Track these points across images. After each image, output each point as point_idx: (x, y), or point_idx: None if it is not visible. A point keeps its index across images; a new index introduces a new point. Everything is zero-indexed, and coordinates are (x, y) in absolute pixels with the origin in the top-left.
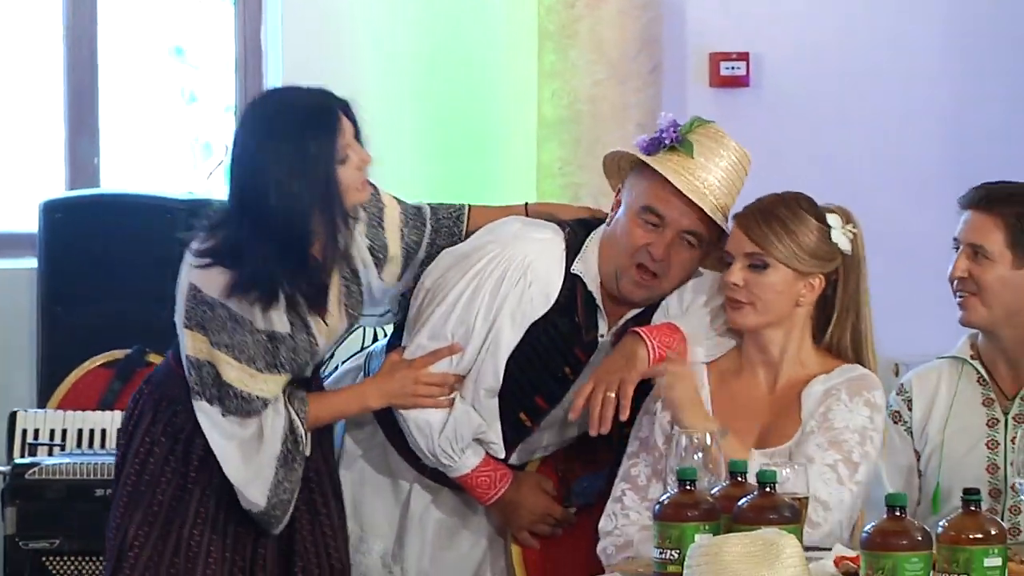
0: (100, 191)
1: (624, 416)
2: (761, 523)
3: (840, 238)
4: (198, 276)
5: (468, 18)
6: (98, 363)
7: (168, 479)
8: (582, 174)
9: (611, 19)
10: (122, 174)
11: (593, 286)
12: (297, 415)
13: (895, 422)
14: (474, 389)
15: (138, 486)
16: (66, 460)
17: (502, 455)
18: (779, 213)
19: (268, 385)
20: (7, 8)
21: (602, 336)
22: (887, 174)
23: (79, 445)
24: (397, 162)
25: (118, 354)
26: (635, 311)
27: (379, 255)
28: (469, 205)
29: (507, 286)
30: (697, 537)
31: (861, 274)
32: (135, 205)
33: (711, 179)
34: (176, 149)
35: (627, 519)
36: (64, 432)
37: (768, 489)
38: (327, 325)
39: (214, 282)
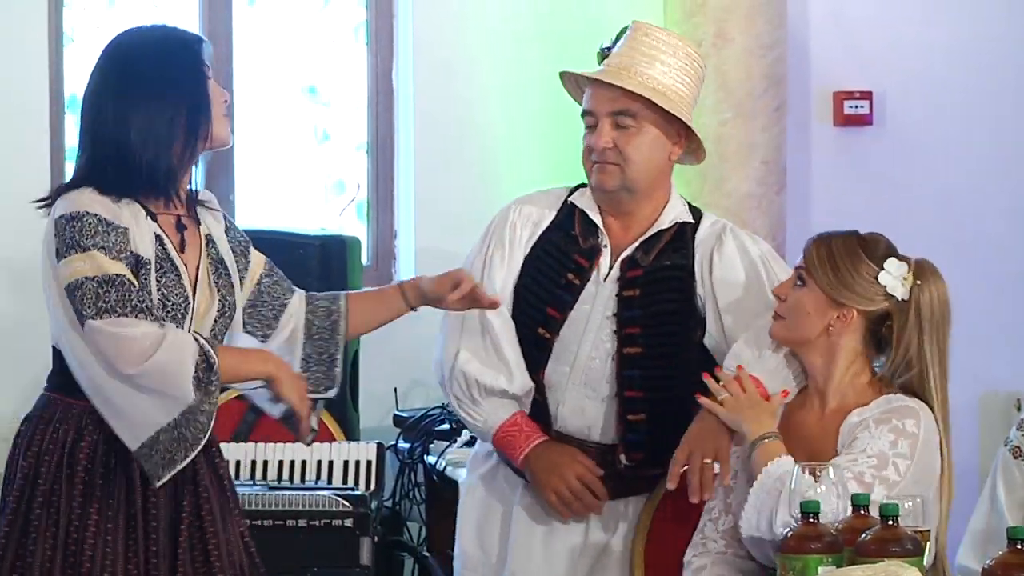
0: None
1: (726, 481)
2: (884, 556)
3: (890, 281)
4: (58, 206)
5: (596, 55)
6: (232, 395)
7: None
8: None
9: (737, 58)
10: (257, 211)
11: (588, 205)
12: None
13: (1015, 457)
14: (482, 332)
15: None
16: None
17: (529, 385)
18: (835, 242)
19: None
20: None
21: (605, 246)
22: (1012, 211)
23: None
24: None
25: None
26: (647, 233)
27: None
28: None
29: (494, 227)
30: (820, 570)
31: (927, 325)
32: (269, 241)
33: (638, 66)
34: (309, 186)
35: (704, 548)
36: None
37: (890, 522)
38: (194, 284)
39: (70, 199)
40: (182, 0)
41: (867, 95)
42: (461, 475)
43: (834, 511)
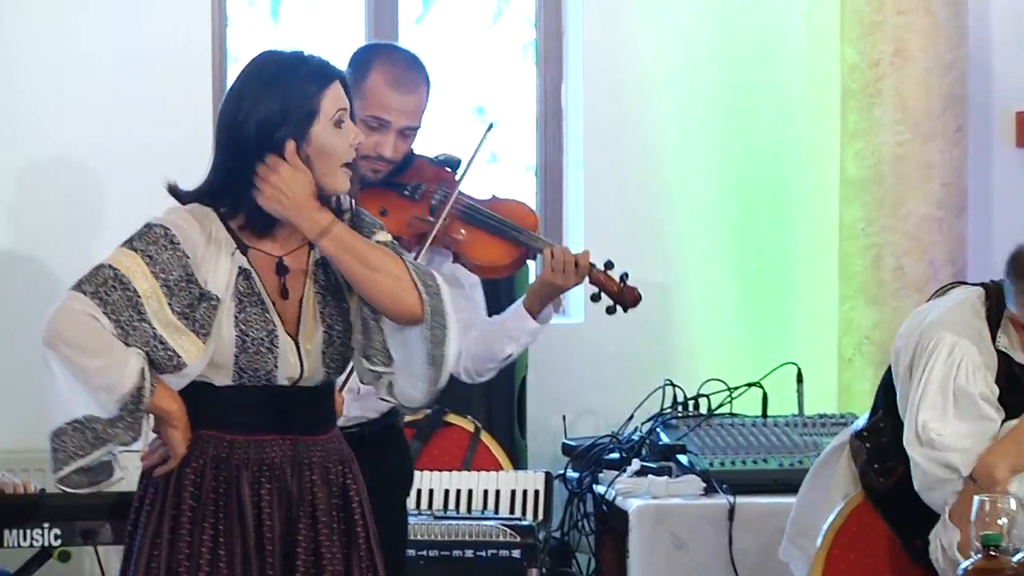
0: None
1: None
2: None
3: None
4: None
5: (769, 77)
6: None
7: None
8: (885, 235)
9: (916, 77)
10: None
11: None
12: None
13: None
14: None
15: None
16: None
17: None
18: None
19: (173, 328)
20: None
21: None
22: None
23: None
24: (696, 221)
25: (418, 415)
26: None
27: None
28: None
29: None
30: None
31: None
32: None
33: None
34: None
35: None
36: None
37: None
38: (294, 326)
39: (167, 211)
40: (347, 19)
41: None
42: (631, 505)
43: None
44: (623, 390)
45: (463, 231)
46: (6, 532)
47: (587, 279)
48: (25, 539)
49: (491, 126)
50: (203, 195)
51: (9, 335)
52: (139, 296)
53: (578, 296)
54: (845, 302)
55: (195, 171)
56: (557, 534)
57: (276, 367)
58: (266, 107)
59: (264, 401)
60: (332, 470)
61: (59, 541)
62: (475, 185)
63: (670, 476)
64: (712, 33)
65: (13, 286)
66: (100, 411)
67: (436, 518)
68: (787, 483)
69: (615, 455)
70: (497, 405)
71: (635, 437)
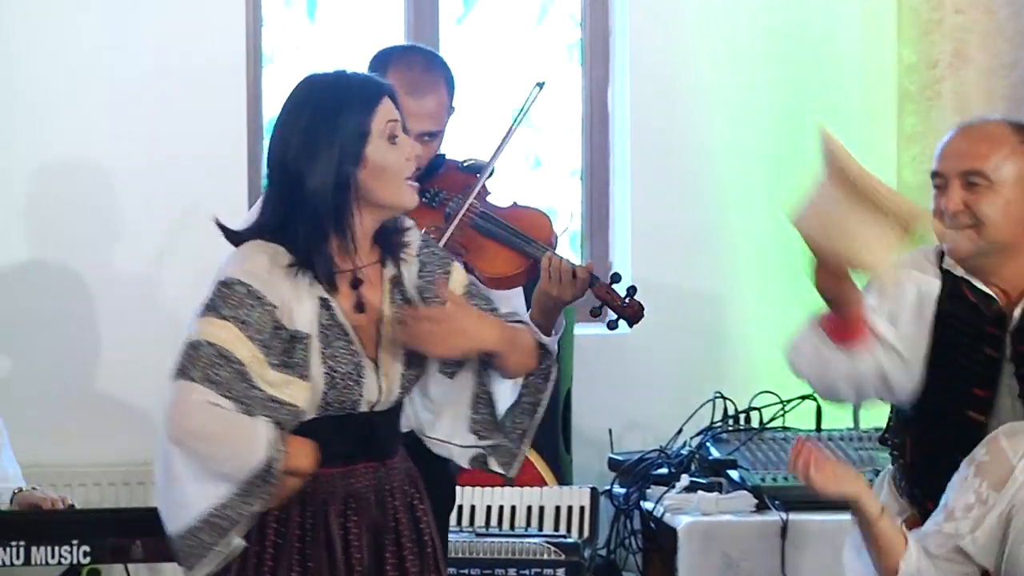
0: None
1: None
2: None
3: None
4: (227, 260)
5: (823, 79)
6: None
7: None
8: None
9: (976, 79)
10: None
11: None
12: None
13: None
14: None
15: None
16: None
17: None
18: None
19: (279, 380)
20: None
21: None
22: None
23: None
24: (748, 227)
25: None
26: None
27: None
28: None
29: None
30: None
31: None
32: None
33: None
34: None
35: None
36: None
37: None
38: (374, 349)
39: (236, 259)
40: (386, 18)
41: None
42: (680, 522)
43: None
44: (671, 403)
45: (474, 241)
46: (34, 549)
47: (591, 292)
48: (53, 556)
49: (540, 85)
50: (263, 232)
51: (35, 348)
52: (243, 365)
53: None
54: None
55: (228, 174)
56: (603, 552)
57: (361, 396)
58: (316, 142)
59: (347, 430)
60: (408, 492)
61: (88, 559)
62: (519, 192)
63: (720, 492)
64: (764, 32)
65: (41, 295)
66: (231, 492)
67: (478, 535)
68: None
69: (663, 470)
70: (542, 421)
71: (684, 452)
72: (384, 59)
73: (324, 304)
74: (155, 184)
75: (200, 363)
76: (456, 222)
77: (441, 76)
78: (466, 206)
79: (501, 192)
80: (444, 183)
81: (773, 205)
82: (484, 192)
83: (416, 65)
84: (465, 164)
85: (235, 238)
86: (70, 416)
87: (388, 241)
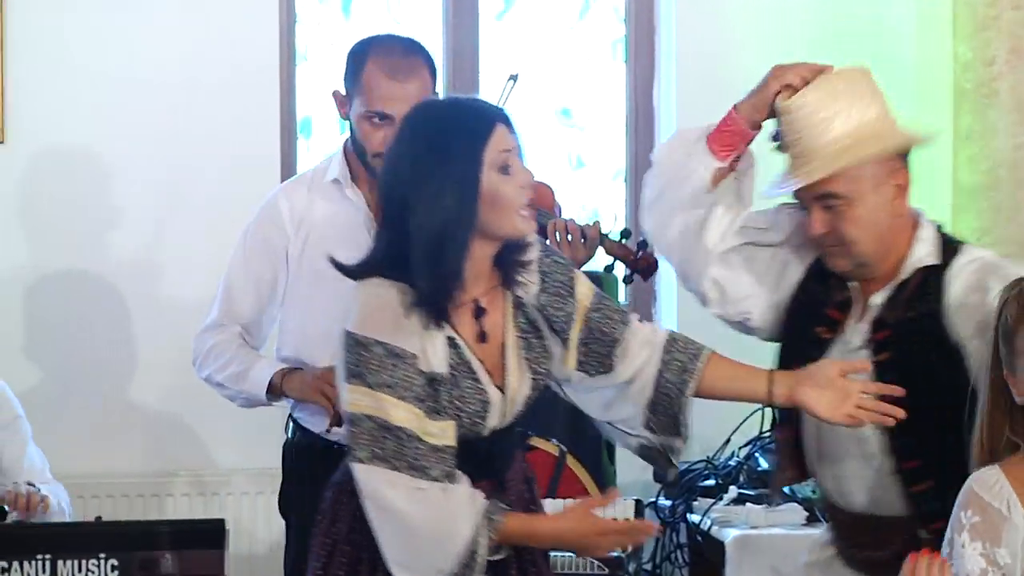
0: None
1: None
2: None
3: None
4: (354, 315)
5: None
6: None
7: None
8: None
9: None
10: None
11: None
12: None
13: None
14: None
15: None
16: None
17: None
18: None
19: (439, 430)
20: None
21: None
22: None
23: None
24: None
25: None
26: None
27: (561, 329)
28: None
29: None
30: None
31: None
32: None
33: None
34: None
35: None
36: None
37: None
38: (500, 376)
39: (364, 309)
40: (426, 15)
41: None
42: (727, 535)
43: None
44: (719, 412)
45: None
46: (60, 563)
47: (602, 250)
48: (80, 570)
49: (514, 78)
50: (380, 268)
51: (69, 361)
52: (401, 427)
53: (670, 309)
54: None
55: (262, 173)
56: (648, 566)
57: (484, 426)
58: (428, 174)
59: (466, 455)
60: (524, 499)
61: (116, 572)
62: (561, 193)
63: (770, 504)
64: (815, 28)
65: (67, 301)
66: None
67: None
68: None
69: (710, 482)
70: (583, 427)
71: (732, 462)
72: (364, 46)
73: (451, 343)
74: (189, 184)
75: (363, 443)
76: None
77: (422, 60)
78: None
79: None
80: None
81: None
82: None
83: (396, 51)
84: None
85: (351, 273)
86: (84, 427)
87: (509, 262)
